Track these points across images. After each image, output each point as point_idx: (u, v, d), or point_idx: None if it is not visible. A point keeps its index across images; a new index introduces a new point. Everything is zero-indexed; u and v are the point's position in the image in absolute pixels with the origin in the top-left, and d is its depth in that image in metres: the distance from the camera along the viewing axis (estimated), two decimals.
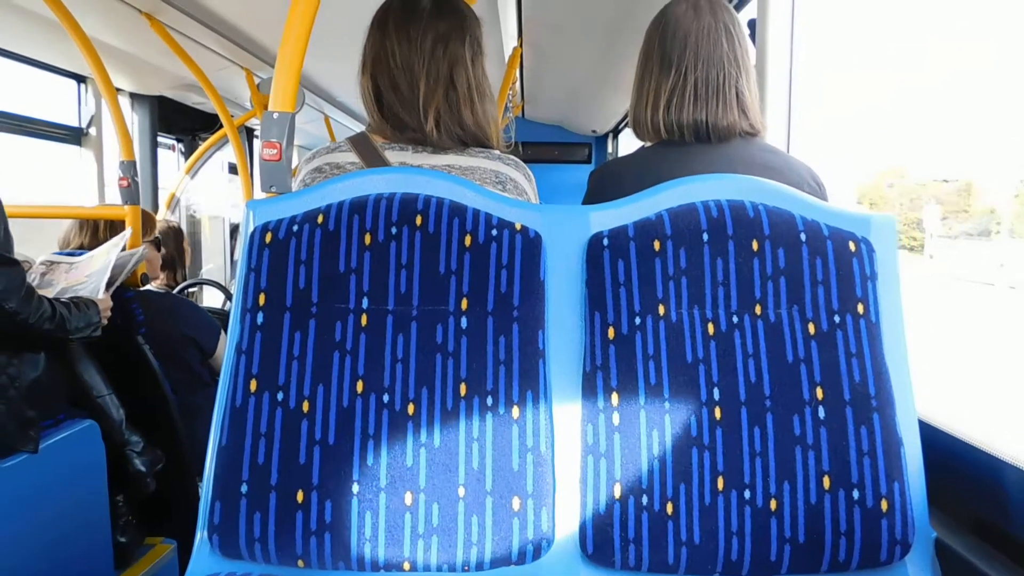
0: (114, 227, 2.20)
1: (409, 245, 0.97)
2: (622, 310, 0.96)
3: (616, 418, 0.93)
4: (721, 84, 1.19)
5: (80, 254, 1.95)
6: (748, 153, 1.19)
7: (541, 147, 6.04)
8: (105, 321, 1.69)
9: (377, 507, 0.89)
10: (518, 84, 4.45)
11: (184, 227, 3.29)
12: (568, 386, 0.97)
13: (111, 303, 1.76)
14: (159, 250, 2.47)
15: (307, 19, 1.12)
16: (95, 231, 2.22)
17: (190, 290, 3.51)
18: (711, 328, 0.95)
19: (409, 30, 1.19)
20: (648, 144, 1.28)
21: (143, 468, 1.80)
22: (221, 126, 3.32)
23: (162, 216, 3.44)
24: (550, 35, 3.25)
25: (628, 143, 5.60)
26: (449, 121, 1.19)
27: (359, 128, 1.29)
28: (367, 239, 0.97)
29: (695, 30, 1.19)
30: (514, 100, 4.62)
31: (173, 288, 2.61)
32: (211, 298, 4.17)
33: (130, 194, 2.18)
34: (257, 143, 1.13)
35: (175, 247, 2.65)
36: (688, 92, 1.18)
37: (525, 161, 1.27)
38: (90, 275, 1.83)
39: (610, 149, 6.03)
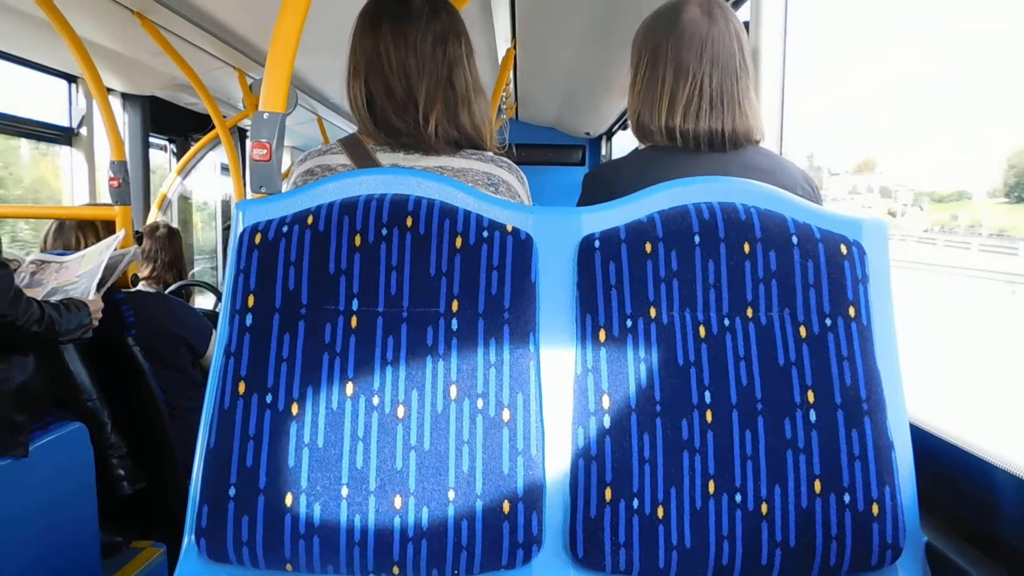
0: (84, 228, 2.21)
1: (399, 246, 0.96)
2: (613, 312, 0.96)
3: (607, 421, 0.92)
4: (735, 93, 1.18)
5: (68, 254, 1.94)
6: (743, 156, 1.19)
7: (535, 149, 6.02)
8: (96, 322, 1.68)
9: (366, 511, 0.88)
10: (511, 86, 4.45)
11: (176, 226, 3.27)
12: (559, 389, 0.96)
13: (102, 304, 1.75)
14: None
15: (298, 17, 1.11)
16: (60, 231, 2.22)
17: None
18: (702, 331, 0.95)
19: (407, 32, 1.16)
20: (642, 147, 1.27)
21: (122, 471, 1.82)
22: (213, 127, 3.31)
23: (153, 217, 3.42)
24: (544, 37, 3.24)
25: (622, 146, 5.59)
26: (447, 124, 1.18)
27: (353, 129, 1.28)
28: (357, 240, 0.96)
29: (712, 37, 1.17)
30: (507, 102, 4.61)
31: (164, 289, 2.60)
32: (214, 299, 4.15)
33: (120, 194, 2.17)
34: (249, 144, 1.12)
35: (170, 247, 2.64)
36: (704, 101, 1.17)
37: (518, 163, 1.26)
38: (81, 275, 1.81)
39: (604, 151, 6.02)
